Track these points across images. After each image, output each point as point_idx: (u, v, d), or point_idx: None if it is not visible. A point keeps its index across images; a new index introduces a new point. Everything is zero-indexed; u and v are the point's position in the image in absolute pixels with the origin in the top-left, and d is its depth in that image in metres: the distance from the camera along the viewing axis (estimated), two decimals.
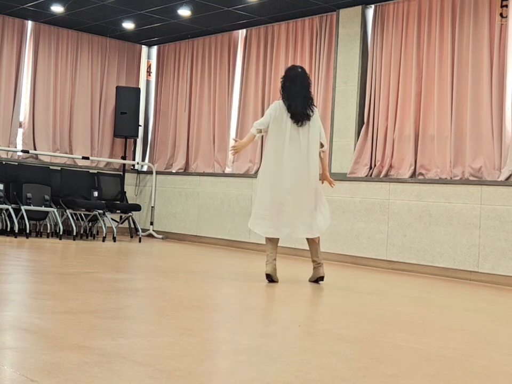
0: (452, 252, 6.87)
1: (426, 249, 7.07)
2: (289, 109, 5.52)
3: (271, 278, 5.40)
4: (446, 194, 6.98)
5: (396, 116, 7.66)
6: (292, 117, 5.52)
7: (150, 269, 6.38)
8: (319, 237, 5.67)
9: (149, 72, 10.93)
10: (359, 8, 7.98)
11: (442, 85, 7.24)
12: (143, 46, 10.87)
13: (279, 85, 5.85)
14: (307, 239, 5.65)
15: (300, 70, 5.66)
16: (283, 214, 5.51)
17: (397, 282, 6.27)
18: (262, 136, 5.72)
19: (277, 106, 5.57)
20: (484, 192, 6.70)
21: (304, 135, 5.53)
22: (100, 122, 10.36)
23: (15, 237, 8.25)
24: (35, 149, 9.57)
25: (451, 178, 7.07)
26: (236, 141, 5.86)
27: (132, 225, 9.67)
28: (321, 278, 5.58)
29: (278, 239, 5.61)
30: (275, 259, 5.47)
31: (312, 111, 5.57)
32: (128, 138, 10.44)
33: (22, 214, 8.37)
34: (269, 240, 5.56)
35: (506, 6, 6.82)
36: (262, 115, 9.03)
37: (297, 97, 5.54)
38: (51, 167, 9.30)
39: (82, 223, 9.07)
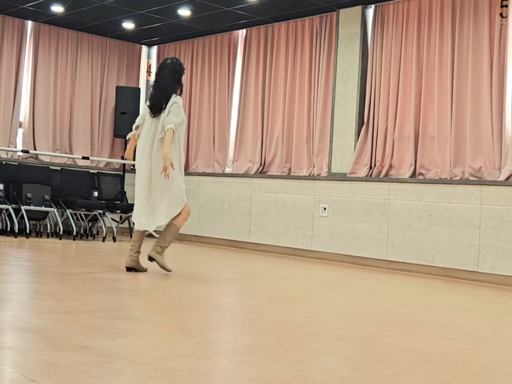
0: (452, 252, 6.87)
1: (426, 249, 7.07)
2: (149, 100, 5.48)
3: (131, 269, 5.42)
4: (446, 194, 6.98)
5: (396, 116, 7.66)
6: (149, 108, 5.44)
7: (150, 269, 6.38)
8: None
9: (149, 72, 10.93)
10: (359, 8, 7.98)
11: (442, 85, 7.24)
12: (143, 46, 10.87)
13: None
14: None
15: (167, 61, 5.51)
16: (143, 205, 5.46)
17: (397, 282, 6.27)
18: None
19: (145, 103, 5.58)
20: (484, 192, 6.70)
21: (156, 126, 5.39)
22: (100, 122, 10.36)
23: (15, 237, 8.25)
24: (35, 149, 9.57)
25: (451, 178, 7.07)
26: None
27: (132, 225, 9.66)
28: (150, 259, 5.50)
29: (144, 231, 5.53)
30: (137, 251, 5.44)
31: (166, 104, 5.35)
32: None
33: (22, 214, 8.37)
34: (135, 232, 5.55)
35: (506, 6, 6.82)
36: (262, 114, 9.10)
37: (156, 89, 5.45)
38: (51, 167, 9.30)
39: (82, 223, 9.07)
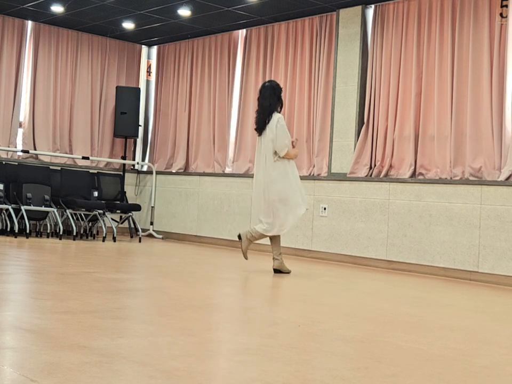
0: (452, 252, 6.87)
1: (426, 249, 7.07)
2: (255, 123, 6.10)
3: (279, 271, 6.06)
4: (446, 194, 6.98)
5: (396, 116, 7.66)
6: (256, 130, 6.08)
7: (150, 269, 6.38)
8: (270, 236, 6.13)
9: (149, 72, 10.93)
10: (359, 8, 7.98)
11: (442, 85, 7.24)
12: (143, 46, 10.87)
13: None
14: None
15: (266, 84, 6.18)
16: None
17: (397, 282, 6.27)
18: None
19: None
20: (484, 192, 6.70)
21: (263, 143, 5.99)
22: (100, 122, 10.36)
23: (15, 237, 8.25)
24: (35, 149, 9.57)
25: (451, 178, 7.07)
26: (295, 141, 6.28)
27: (132, 225, 9.67)
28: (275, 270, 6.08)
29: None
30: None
31: (269, 120, 5.93)
32: (128, 138, 10.44)
33: (22, 214, 8.37)
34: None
35: (506, 6, 6.82)
36: None
37: (260, 109, 6.08)
38: (51, 167, 9.30)
39: (82, 223, 9.07)
